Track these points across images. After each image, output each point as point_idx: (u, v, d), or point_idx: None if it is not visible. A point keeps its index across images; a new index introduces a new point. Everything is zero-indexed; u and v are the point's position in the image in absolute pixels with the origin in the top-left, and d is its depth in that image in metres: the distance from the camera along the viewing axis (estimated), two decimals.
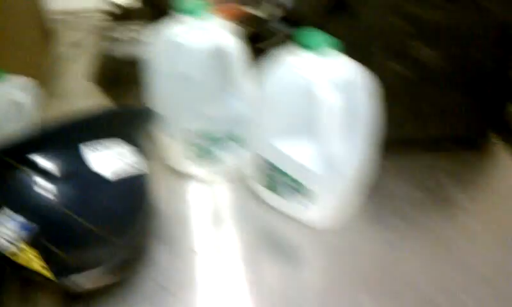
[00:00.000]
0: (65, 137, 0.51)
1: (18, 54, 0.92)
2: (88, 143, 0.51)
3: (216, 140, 0.69)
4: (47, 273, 0.49)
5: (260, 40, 0.80)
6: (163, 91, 0.67)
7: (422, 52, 0.70)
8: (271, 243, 0.66)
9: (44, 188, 0.48)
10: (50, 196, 0.48)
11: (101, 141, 0.53)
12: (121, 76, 0.80)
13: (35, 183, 0.48)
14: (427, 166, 0.77)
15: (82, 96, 0.89)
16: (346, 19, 0.72)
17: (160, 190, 0.69)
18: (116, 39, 0.80)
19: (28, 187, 0.48)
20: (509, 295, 0.61)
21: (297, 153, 0.62)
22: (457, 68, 0.71)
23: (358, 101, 0.59)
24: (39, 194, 0.48)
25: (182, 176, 0.73)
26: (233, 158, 0.72)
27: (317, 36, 0.58)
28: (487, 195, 0.74)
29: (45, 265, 0.49)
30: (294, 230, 0.67)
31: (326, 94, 0.56)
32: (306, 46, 0.58)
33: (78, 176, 0.50)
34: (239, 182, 0.72)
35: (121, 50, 0.78)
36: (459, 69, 0.71)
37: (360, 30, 0.70)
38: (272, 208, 0.69)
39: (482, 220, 0.69)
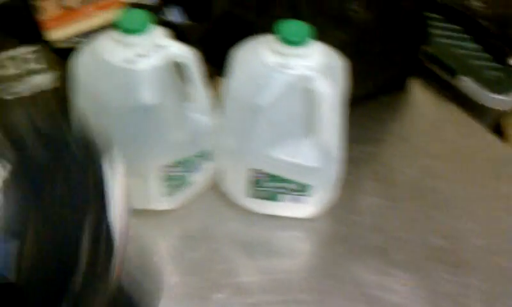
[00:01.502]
0: None
1: None
2: None
3: (187, 165, 0.59)
4: None
5: None
6: (116, 127, 0.54)
7: (354, 12, 0.68)
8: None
9: None
10: None
11: None
12: None
13: None
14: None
15: None
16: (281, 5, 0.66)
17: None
18: None
19: None
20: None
21: (293, 154, 0.56)
22: (380, 20, 0.71)
23: (337, 82, 0.55)
24: None
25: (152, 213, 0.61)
26: (205, 176, 0.63)
27: (298, 26, 0.52)
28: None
29: None
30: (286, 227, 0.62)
31: (321, 86, 0.51)
32: (287, 39, 0.52)
33: None
34: (216, 200, 0.64)
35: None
36: (382, 20, 0.71)
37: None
38: (259, 214, 0.63)
39: None
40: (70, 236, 0.35)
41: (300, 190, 0.59)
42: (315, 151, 0.56)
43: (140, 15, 0.52)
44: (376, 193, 0.67)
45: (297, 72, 0.52)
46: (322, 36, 0.65)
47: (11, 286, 0.31)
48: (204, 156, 0.61)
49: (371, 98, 0.77)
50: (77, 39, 0.71)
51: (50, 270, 0.34)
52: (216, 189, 0.64)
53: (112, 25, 0.52)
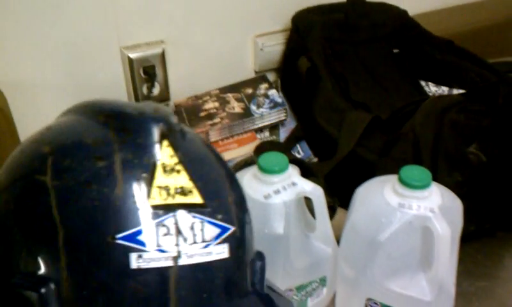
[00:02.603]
0: None
1: None
2: None
3: (307, 290, 0.65)
4: None
5: None
6: None
7: (472, 155, 0.73)
8: None
9: None
10: None
11: None
12: None
13: None
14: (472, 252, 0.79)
15: None
16: (402, 148, 0.73)
17: None
18: None
19: None
20: None
21: (407, 287, 0.60)
22: (496, 161, 0.75)
23: (454, 221, 0.60)
24: None
25: None
26: (322, 301, 0.68)
27: (419, 171, 0.59)
28: None
29: None
30: None
31: (438, 226, 0.56)
32: (409, 183, 0.58)
33: None
34: None
35: None
36: (498, 161, 0.75)
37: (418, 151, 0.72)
38: None
39: None
40: None
41: None
42: (429, 285, 0.60)
43: (279, 157, 0.61)
44: None
45: (416, 213, 0.58)
46: (440, 176, 0.71)
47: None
48: (323, 282, 0.66)
49: (488, 234, 0.80)
50: None
51: None
52: None
53: (255, 164, 0.62)
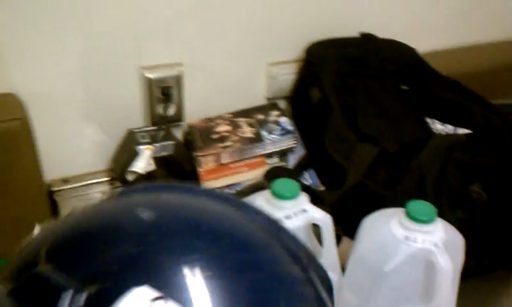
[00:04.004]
0: None
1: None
2: None
3: None
4: None
5: None
6: None
7: (474, 193, 0.75)
8: None
9: None
10: None
11: None
12: None
13: None
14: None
15: None
16: (408, 182, 0.76)
17: None
18: None
19: None
20: None
21: None
22: (497, 200, 0.78)
23: (456, 257, 0.62)
24: None
25: None
26: None
27: (425, 206, 0.61)
28: None
29: None
30: None
31: (441, 261, 0.58)
32: (415, 217, 0.60)
33: None
34: None
35: None
36: (499, 200, 0.78)
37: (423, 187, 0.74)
38: None
39: None
40: None
41: None
42: None
43: (291, 184, 0.64)
44: None
45: (421, 246, 0.60)
46: (443, 212, 0.73)
47: None
48: None
49: (487, 271, 0.82)
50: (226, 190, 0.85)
51: None
52: None
53: (265, 188, 0.64)
